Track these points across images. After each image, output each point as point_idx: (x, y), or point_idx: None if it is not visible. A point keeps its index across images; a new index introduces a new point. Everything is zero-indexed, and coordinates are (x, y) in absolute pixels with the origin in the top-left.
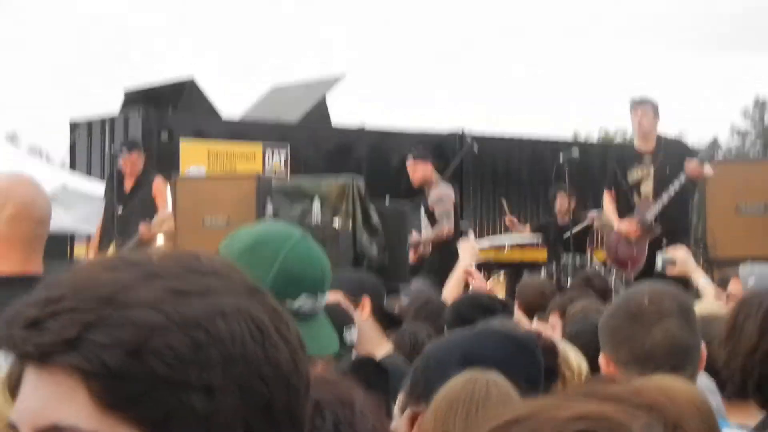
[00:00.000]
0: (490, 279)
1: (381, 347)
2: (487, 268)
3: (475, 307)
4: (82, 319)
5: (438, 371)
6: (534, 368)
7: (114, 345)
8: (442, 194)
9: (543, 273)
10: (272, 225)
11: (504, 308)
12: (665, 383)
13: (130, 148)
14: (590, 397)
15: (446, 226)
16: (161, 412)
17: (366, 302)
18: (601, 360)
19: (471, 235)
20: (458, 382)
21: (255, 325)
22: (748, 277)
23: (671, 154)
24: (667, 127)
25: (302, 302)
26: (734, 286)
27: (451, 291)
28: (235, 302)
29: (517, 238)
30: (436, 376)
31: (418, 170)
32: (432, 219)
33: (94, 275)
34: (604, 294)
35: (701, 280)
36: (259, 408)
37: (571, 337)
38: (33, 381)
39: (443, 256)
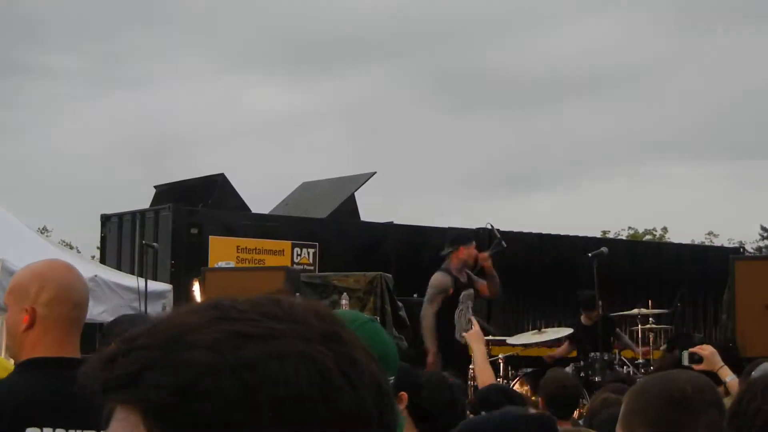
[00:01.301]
0: (517, 378)
1: None
2: (514, 364)
3: (482, 402)
4: (146, 357)
5: None
6: None
7: (164, 385)
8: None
9: (571, 369)
10: (343, 311)
11: (512, 400)
12: None
13: None
14: None
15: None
16: None
17: (403, 397)
18: None
19: (474, 322)
20: None
21: (316, 369)
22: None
23: None
24: (696, 230)
25: None
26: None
27: (483, 377)
28: (298, 346)
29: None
30: None
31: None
32: None
33: (174, 317)
34: None
35: (728, 377)
36: None
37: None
38: (114, 416)
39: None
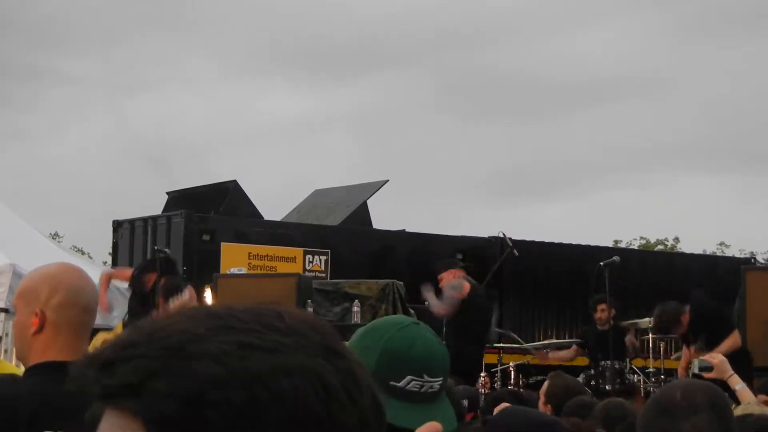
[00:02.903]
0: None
1: None
2: (525, 372)
3: (493, 404)
4: (149, 366)
5: None
6: None
7: (172, 395)
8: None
9: (582, 377)
10: (388, 317)
11: (523, 403)
12: None
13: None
14: None
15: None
16: None
17: None
18: None
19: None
20: None
21: (321, 384)
22: None
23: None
24: (708, 240)
25: (408, 383)
26: None
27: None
28: (303, 361)
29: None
30: None
31: (444, 280)
32: None
33: (173, 323)
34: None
35: (738, 385)
36: None
37: None
38: (107, 420)
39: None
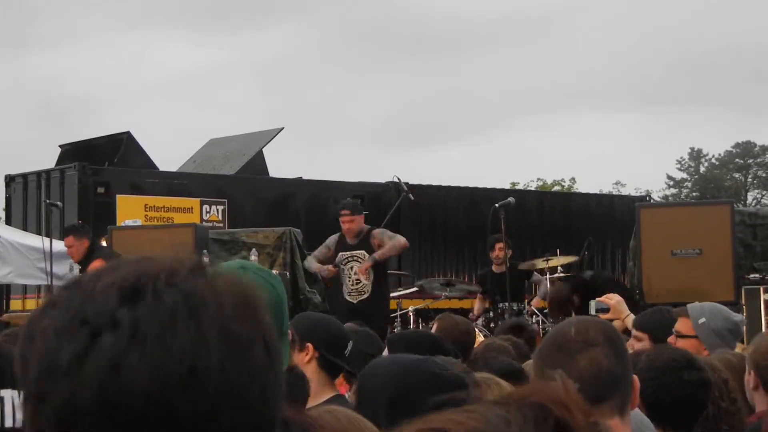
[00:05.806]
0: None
1: (323, 395)
2: (424, 316)
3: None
4: None
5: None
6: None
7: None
8: (382, 230)
9: (482, 320)
10: (230, 262)
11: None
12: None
13: (72, 233)
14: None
15: (402, 239)
16: None
17: (309, 349)
18: None
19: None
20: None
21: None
22: (699, 317)
23: None
24: (604, 180)
25: None
26: (682, 325)
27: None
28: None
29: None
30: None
31: (355, 222)
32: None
33: None
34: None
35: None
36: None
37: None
38: None
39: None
